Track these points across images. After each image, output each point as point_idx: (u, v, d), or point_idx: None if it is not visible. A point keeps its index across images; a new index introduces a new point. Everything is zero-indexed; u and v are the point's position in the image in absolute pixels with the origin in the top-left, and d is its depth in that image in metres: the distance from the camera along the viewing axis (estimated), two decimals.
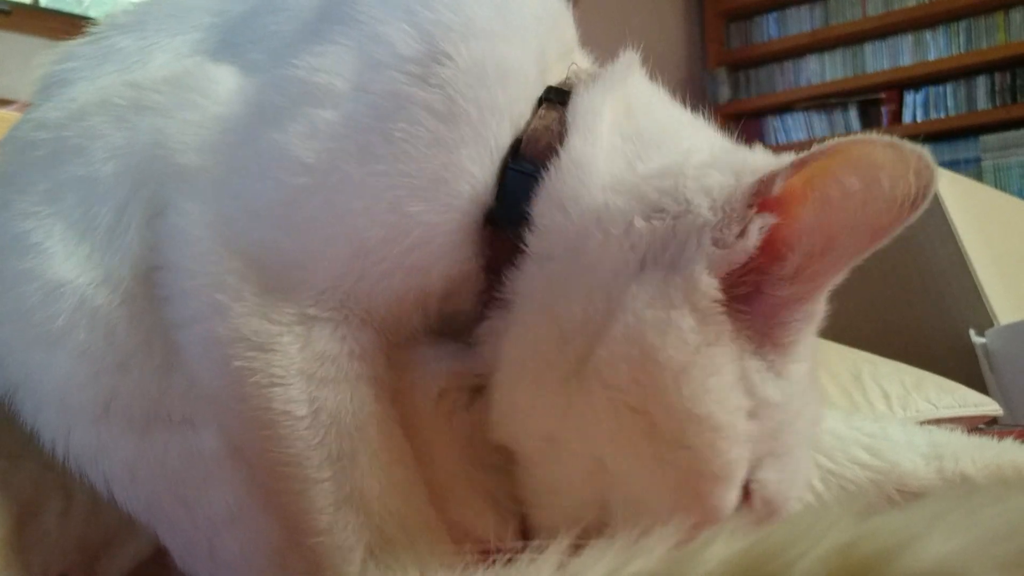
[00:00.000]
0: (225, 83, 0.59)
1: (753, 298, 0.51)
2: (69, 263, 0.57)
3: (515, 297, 0.55)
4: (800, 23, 4.25)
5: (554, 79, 0.59)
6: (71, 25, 2.23)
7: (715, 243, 0.50)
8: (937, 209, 1.63)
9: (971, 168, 3.74)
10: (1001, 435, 0.95)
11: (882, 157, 0.46)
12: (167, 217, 0.56)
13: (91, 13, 2.53)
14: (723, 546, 0.38)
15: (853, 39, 4.09)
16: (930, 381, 1.06)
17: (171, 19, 0.65)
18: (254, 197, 0.55)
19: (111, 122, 0.58)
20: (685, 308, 0.50)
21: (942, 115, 3.87)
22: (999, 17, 3.75)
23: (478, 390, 0.59)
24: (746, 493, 0.52)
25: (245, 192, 0.55)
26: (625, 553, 0.41)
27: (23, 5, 2.42)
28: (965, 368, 1.58)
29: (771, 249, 0.50)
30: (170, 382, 0.56)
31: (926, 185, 0.46)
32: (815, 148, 0.48)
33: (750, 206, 0.49)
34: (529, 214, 0.54)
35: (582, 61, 0.63)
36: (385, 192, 0.53)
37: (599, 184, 0.54)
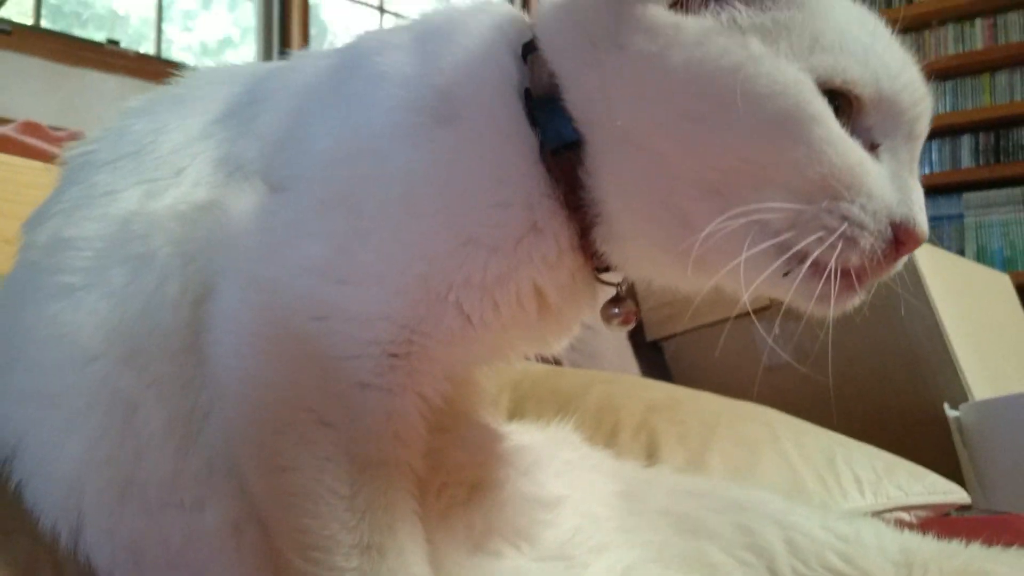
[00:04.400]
0: (243, 180, 0.62)
1: None
2: (97, 336, 0.59)
3: (603, 192, 0.58)
4: None
5: (516, 39, 0.63)
6: (70, 46, 2.24)
7: None
8: (916, 281, 1.66)
9: (954, 224, 3.79)
10: (971, 523, 0.97)
11: None
12: (214, 302, 0.58)
13: (89, 31, 2.54)
14: None
15: None
16: (901, 468, 1.08)
17: (179, 106, 0.68)
18: (304, 256, 0.57)
19: (175, 218, 0.61)
20: (685, 27, 0.54)
21: (927, 171, 3.92)
22: (985, 79, 3.82)
23: (476, 486, 0.60)
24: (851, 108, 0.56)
25: (293, 253, 0.57)
26: None
27: (23, 25, 2.43)
28: (939, 441, 1.60)
29: None
30: (186, 464, 0.58)
31: None
32: None
33: None
34: (565, 106, 0.58)
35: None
36: (447, 220, 0.57)
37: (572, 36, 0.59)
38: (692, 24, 0.54)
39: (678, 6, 0.56)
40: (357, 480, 0.56)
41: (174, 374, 0.59)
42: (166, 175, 0.64)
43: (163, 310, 0.59)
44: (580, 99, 0.58)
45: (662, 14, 0.55)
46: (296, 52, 0.73)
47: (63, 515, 0.59)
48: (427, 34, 0.63)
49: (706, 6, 0.55)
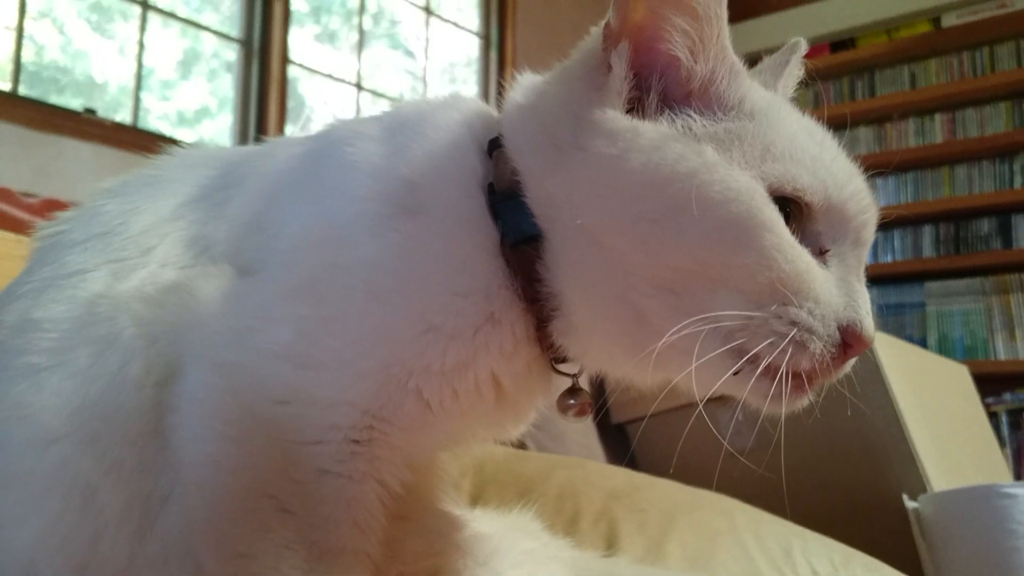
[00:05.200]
0: (221, 270, 0.63)
1: (683, 94, 0.59)
2: (59, 417, 0.59)
3: (560, 284, 0.60)
4: None
5: (484, 135, 0.65)
6: (46, 113, 2.25)
7: (595, 89, 0.59)
8: (875, 371, 1.69)
9: (916, 312, 3.86)
10: None
11: None
12: (182, 379, 0.59)
13: (67, 98, 2.56)
14: None
15: None
16: (857, 560, 1.08)
17: (151, 188, 0.69)
18: (269, 340, 0.58)
19: (141, 299, 0.62)
20: (639, 130, 0.57)
21: (889, 259, 4.01)
22: (945, 172, 3.93)
23: (436, 573, 0.60)
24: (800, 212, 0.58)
25: (258, 338, 0.58)
26: None
27: (0, 92, 2.45)
28: (898, 531, 1.61)
29: (655, 61, 0.59)
30: (143, 549, 0.58)
31: None
32: None
33: (604, 50, 0.58)
34: (526, 201, 0.60)
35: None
36: (410, 312, 0.58)
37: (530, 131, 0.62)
38: (650, 130, 0.57)
39: (635, 112, 0.58)
40: (314, 568, 0.56)
41: (134, 457, 0.59)
42: (134, 255, 0.65)
43: (125, 391, 0.59)
44: (541, 196, 0.60)
45: (621, 119, 0.57)
46: (271, 138, 0.75)
47: None
48: (397, 126, 0.65)
49: (661, 112, 0.58)
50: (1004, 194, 3.77)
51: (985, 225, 3.82)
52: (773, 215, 0.55)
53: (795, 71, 0.69)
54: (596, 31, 0.60)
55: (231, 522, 0.56)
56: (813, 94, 4.32)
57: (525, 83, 0.66)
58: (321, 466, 0.57)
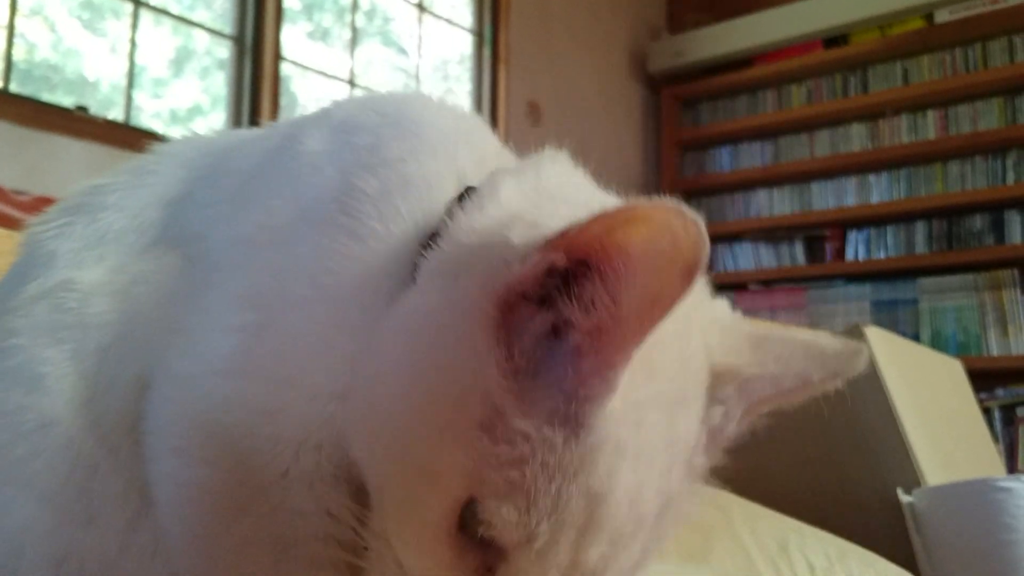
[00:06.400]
0: (184, 256, 0.63)
1: (548, 340, 0.50)
2: (70, 406, 0.59)
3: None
4: (752, 158, 4.43)
5: (475, 182, 0.61)
6: (38, 111, 2.25)
7: (504, 263, 0.49)
8: (870, 367, 1.69)
9: (909, 308, 3.87)
10: None
11: (672, 222, 0.45)
12: (151, 387, 0.59)
13: (59, 96, 2.55)
14: None
15: (801, 177, 4.26)
16: (853, 554, 1.08)
17: (149, 193, 0.69)
18: (211, 355, 0.57)
19: (109, 297, 0.62)
20: (455, 306, 0.51)
21: (882, 255, 4.02)
22: (937, 168, 3.95)
23: None
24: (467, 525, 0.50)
25: (203, 352, 0.58)
26: None
27: None
28: (894, 526, 1.61)
29: (563, 292, 0.49)
30: (134, 539, 0.58)
31: (699, 254, 0.45)
32: (615, 207, 0.46)
33: (548, 243, 0.48)
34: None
35: (508, 163, 0.66)
36: (324, 320, 0.56)
37: (471, 228, 0.56)
38: None
39: None
40: (281, 559, 0.55)
41: (131, 442, 0.59)
42: (100, 245, 0.66)
43: (115, 389, 0.60)
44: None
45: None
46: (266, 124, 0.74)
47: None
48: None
49: None
50: (997, 190, 3.78)
51: (978, 221, 3.84)
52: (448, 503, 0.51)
53: None
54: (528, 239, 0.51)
55: (190, 527, 0.56)
56: (806, 91, 4.34)
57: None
58: (280, 469, 0.56)
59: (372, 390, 0.54)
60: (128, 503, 0.58)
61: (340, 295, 0.57)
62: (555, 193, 0.59)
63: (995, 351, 3.67)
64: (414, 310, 0.54)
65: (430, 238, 0.57)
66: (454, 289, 0.52)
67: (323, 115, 0.67)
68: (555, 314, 0.49)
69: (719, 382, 0.57)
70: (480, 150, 0.66)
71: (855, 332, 1.71)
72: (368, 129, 0.63)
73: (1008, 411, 3.55)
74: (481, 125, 0.69)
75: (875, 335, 1.72)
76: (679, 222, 0.44)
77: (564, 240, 0.47)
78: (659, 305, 0.46)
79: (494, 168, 0.63)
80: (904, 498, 1.61)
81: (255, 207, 0.61)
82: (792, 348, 0.59)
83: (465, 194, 0.60)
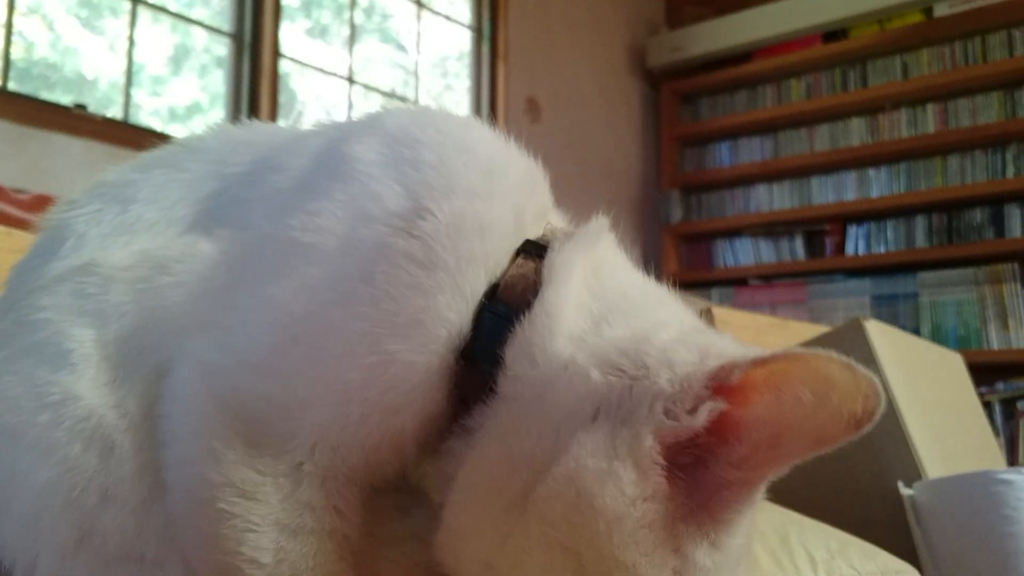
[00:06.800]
0: (223, 249, 0.63)
1: (696, 470, 0.54)
2: (92, 384, 0.60)
3: (479, 427, 0.57)
4: (751, 153, 4.43)
5: (532, 235, 0.63)
6: (37, 108, 2.24)
7: (666, 412, 0.52)
8: (870, 360, 1.69)
9: (909, 302, 3.87)
10: None
11: (837, 376, 0.48)
12: (172, 372, 0.59)
13: (58, 94, 2.54)
14: None
15: (800, 172, 4.26)
16: (854, 546, 1.08)
17: (181, 187, 0.69)
18: (247, 350, 0.58)
19: (130, 286, 0.63)
20: (628, 462, 0.52)
21: (882, 250, 4.02)
22: (937, 162, 3.94)
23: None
24: None
25: (239, 345, 0.58)
26: None
27: None
28: (895, 519, 1.61)
29: (719, 432, 0.52)
30: (149, 520, 0.59)
31: (872, 410, 0.48)
32: (779, 351, 0.50)
33: (706, 387, 0.52)
34: (501, 356, 0.57)
35: (557, 220, 0.68)
36: (365, 334, 0.56)
37: (566, 335, 0.57)
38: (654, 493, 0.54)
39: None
40: (283, 547, 0.56)
41: (148, 429, 0.60)
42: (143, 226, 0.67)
43: (137, 375, 0.61)
44: (521, 368, 0.58)
45: (653, 455, 0.53)
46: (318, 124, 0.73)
47: (21, 553, 0.59)
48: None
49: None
50: (996, 184, 3.78)
51: (978, 215, 3.84)
52: None
53: None
54: (693, 366, 0.54)
55: (195, 515, 0.57)
56: (806, 85, 4.33)
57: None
58: (295, 461, 0.57)
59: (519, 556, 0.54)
60: (143, 483, 0.59)
61: (395, 322, 0.56)
62: (626, 297, 0.61)
63: (995, 345, 3.67)
64: (576, 466, 0.53)
65: (495, 288, 0.59)
66: (618, 443, 0.52)
67: (373, 121, 0.66)
68: (701, 450, 0.53)
69: None
70: (540, 200, 0.66)
71: (854, 325, 1.71)
72: (429, 146, 0.62)
73: (1009, 405, 3.55)
74: (541, 174, 0.68)
75: (875, 328, 1.72)
76: (848, 376, 0.48)
77: (726, 385, 0.51)
78: (821, 446, 0.50)
79: (547, 223, 0.65)
80: (905, 491, 1.61)
81: (301, 208, 0.61)
82: None
83: (527, 248, 0.61)
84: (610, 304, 0.60)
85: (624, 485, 0.52)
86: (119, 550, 0.58)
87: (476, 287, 0.59)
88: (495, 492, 0.55)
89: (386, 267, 0.57)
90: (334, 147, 0.65)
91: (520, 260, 0.61)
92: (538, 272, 0.60)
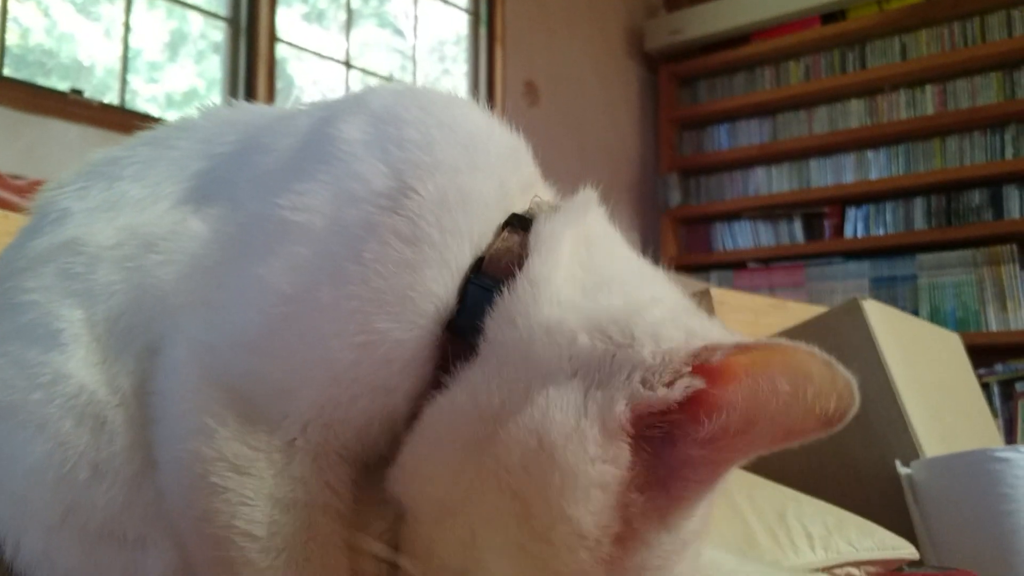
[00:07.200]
0: (212, 228, 0.63)
1: (662, 445, 0.54)
2: (83, 364, 0.61)
3: (454, 382, 0.58)
4: (750, 136, 4.42)
5: (518, 208, 0.63)
6: (33, 94, 2.23)
7: (643, 382, 0.52)
8: (868, 339, 1.69)
9: (908, 285, 3.87)
10: None
11: (816, 371, 0.49)
12: (163, 350, 0.60)
13: (54, 81, 2.54)
14: None
15: (799, 154, 4.25)
16: (852, 523, 1.09)
17: (169, 165, 0.69)
18: (238, 329, 0.59)
19: (118, 264, 0.63)
20: (596, 423, 0.52)
21: (881, 232, 4.01)
22: (936, 143, 3.93)
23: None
24: None
25: (230, 324, 0.59)
26: None
27: None
28: (892, 498, 1.62)
29: (692, 410, 0.53)
30: (138, 496, 0.59)
31: (844, 410, 0.49)
32: (761, 340, 0.51)
33: (686, 364, 0.52)
34: (483, 326, 0.58)
35: (545, 194, 0.68)
36: (355, 312, 0.57)
37: (554, 301, 0.57)
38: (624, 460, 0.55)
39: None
40: (277, 521, 0.57)
41: (139, 407, 0.60)
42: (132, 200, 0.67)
43: (128, 353, 0.62)
44: (504, 336, 0.58)
45: (626, 425, 0.54)
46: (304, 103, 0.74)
47: (10, 528, 0.59)
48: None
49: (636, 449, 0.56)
50: (995, 165, 3.77)
51: (976, 196, 3.83)
52: None
53: None
54: (678, 343, 0.54)
55: (188, 490, 0.57)
56: (804, 67, 4.32)
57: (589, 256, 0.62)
58: (287, 437, 0.58)
59: (473, 490, 0.55)
60: (133, 459, 0.59)
61: (384, 299, 0.57)
62: (617, 272, 0.61)
63: (994, 327, 3.67)
64: (543, 417, 0.53)
65: (480, 261, 0.59)
66: (590, 403, 0.53)
67: (357, 101, 0.67)
68: (671, 426, 0.53)
69: None
70: (525, 174, 0.67)
71: (853, 305, 1.72)
72: (413, 124, 0.62)
73: (1007, 386, 3.56)
74: (524, 147, 0.68)
75: (872, 308, 1.72)
76: (827, 373, 0.48)
77: (706, 366, 0.52)
78: (790, 438, 0.50)
79: (535, 197, 0.65)
80: (902, 470, 1.62)
81: (290, 188, 0.61)
82: None
83: (512, 221, 0.61)
84: (604, 276, 0.60)
85: (588, 444, 0.52)
86: (103, 528, 0.58)
87: (462, 260, 0.59)
88: (455, 434, 0.56)
89: (374, 245, 0.57)
90: (319, 127, 0.65)
91: (505, 233, 0.61)
92: (524, 245, 0.60)
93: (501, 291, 0.58)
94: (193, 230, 0.63)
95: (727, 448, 0.52)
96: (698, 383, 0.52)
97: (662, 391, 0.52)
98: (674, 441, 0.54)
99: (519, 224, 0.62)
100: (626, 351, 0.54)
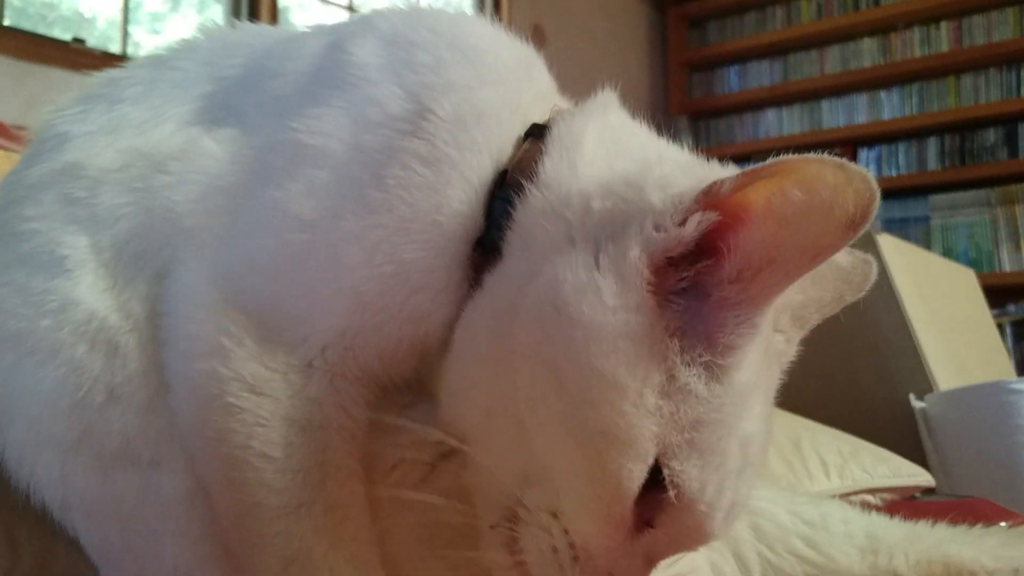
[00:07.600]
0: (227, 150, 0.62)
1: (694, 299, 0.53)
2: (91, 290, 0.60)
3: (480, 292, 0.58)
4: (760, 77, 4.36)
5: (537, 118, 0.62)
6: (36, 44, 2.19)
7: (655, 227, 0.51)
8: (882, 275, 1.68)
9: (920, 226, 3.84)
10: (935, 506, 0.98)
11: (827, 173, 0.47)
12: (174, 272, 0.59)
13: (56, 33, 2.51)
14: None
15: (810, 95, 4.20)
16: (866, 450, 1.09)
17: (172, 87, 0.68)
18: (256, 253, 0.58)
19: (125, 187, 0.62)
20: (610, 274, 0.52)
21: (894, 173, 3.98)
22: (951, 82, 3.87)
23: (436, 465, 0.61)
24: (660, 483, 0.52)
25: (247, 249, 0.58)
26: None
27: None
28: (906, 432, 1.62)
29: (713, 248, 0.51)
30: (151, 420, 0.58)
31: (866, 206, 0.46)
32: (767, 161, 0.49)
33: (696, 202, 0.50)
34: (509, 226, 0.57)
35: (563, 104, 0.67)
36: (382, 242, 0.56)
37: (572, 181, 0.57)
38: (645, 315, 0.53)
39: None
40: (292, 443, 0.56)
41: (152, 331, 0.60)
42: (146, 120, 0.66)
43: (141, 277, 0.61)
44: (529, 236, 0.57)
45: (642, 272, 0.52)
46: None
47: (25, 455, 0.59)
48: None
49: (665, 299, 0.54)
50: (1011, 103, 3.72)
51: (991, 135, 3.78)
52: (642, 470, 0.52)
53: None
54: (688, 187, 0.52)
55: (202, 410, 0.57)
56: (816, 5, 4.24)
57: (604, 131, 0.61)
58: (306, 360, 0.57)
59: (515, 372, 0.54)
60: (148, 383, 0.59)
61: (411, 228, 0.57)
62: (637, 146, 0.61)
63: (1007, 267, 3.65)
64: (553, 280, 0.53)
65: (504, 176, 0.59)
66: (602, 257, 0.52)
67: (366, 24, 0.65)
68: (696, 271, 0.52)
69: (777, 313, 0.59)
70: (539, 84, 0.66)
71: (866, 239, 1.70)
72: (424, 47, 0.62)
73: (1020, 327, 3.55)
74: (536, 58, 0.67)
75: (887, 243, 1.71)
76: (840, 174, 0.46)
77: (716, 199, 0.50)
78: (819, 255, 0.49)
79: (553, 106, 0.64)
80: (916, 404, 1.62)
81: (304, 113, 0.60)
82: (822, 269, 0.59)
83: (533, 132, 0.60)
84: (623, 151, 0.60)
85: (604, 295, 0.51)
86: (118, 451, 0.58)
87: (484, 176, 0.59)
88: (487, 334, 0.56)
89: (396, 170, 0.57)
90: (329, 53, 0.64)
91: (526, 144, 0.60)
92: (543, 150, 0.59)
93: (520, 195, 0.58)
94: (208, 149, 0.62)
95: (758, 280, 0.51)
96: (711, 216, 0.50)
97: (675, 231, 0.50)
98: (706, 291, 0.52)
99: (539, 133, 0.61)
100: (635, 204, 0.53)
